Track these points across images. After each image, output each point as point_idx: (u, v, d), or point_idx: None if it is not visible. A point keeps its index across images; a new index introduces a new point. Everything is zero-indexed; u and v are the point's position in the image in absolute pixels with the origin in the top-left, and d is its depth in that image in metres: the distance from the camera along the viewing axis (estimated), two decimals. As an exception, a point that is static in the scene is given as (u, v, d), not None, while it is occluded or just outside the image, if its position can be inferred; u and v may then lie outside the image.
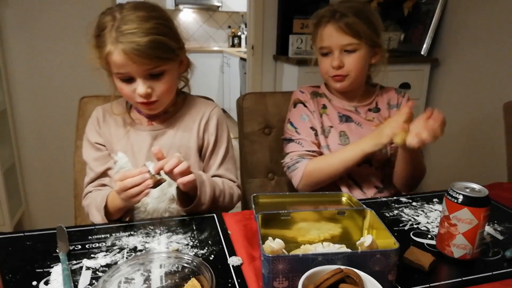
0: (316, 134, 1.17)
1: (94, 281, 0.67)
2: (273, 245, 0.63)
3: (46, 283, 0.66)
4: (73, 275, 0.68)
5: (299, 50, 2.45)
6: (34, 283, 0.66)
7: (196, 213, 0.91)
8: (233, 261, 0.73)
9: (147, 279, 0.67)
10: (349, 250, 0.68)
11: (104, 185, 1.00)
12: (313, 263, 0.62)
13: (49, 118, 2.16)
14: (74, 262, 0.72)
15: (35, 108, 2.13)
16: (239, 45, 5.40)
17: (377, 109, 1.21)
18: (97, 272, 0.69)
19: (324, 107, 1.21)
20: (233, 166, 1.07)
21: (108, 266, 0.71)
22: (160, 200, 0.95)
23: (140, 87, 0.89)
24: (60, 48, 2.07)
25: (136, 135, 1.00)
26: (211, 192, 0.92)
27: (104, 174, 1.01)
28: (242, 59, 4.17)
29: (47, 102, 2.13)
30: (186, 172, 0.83)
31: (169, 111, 1.02)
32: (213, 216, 0.90)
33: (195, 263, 0.66)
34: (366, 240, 0.65)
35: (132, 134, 1.00)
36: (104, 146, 1.01)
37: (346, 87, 1.14)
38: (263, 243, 0.67)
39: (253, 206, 0.84)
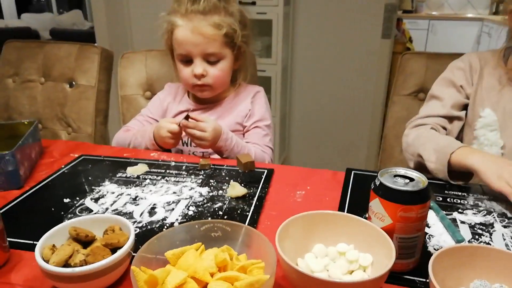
0: None
1: (476, 236, 0.66)
2: None
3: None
4: (448, 225, 0.69)
5: None
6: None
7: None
8: None
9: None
10: None
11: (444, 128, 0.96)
12: None
13: (324, 77, 2.35)
14: (445, 212, 0.72)
15: (314, 66, 2.34)
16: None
17: None
18: (474, 229, 0.68)
19: None
20: None
21: (483, 225, 0.69)
22: None
23: None
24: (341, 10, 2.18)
25: (511, 95, 0.92)
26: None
27: (452, 118, 0.96)
28: (515, 28, 3.49)
29: (326, 62, 2.31)
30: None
31: None
32: None
33: None
34: None
35: (507, 92, 0.92)
36: (468, 93, 0.96)
37: None
38: None
39: None
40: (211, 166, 0.91)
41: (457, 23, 4.56)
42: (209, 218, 0.71)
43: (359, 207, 0.72)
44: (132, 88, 1.32)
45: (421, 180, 0.56)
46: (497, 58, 0.95)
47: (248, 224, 0.69)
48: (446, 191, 0.79)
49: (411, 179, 0.56)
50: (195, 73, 1.01)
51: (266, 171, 0.89)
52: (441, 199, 0.77)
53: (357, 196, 0.78)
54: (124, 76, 1.33)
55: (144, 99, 1.31)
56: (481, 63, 0.96)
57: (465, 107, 0.98)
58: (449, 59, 1.03)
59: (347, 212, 0.73)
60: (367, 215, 0.60)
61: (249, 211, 0.73)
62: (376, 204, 0.56)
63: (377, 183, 0.56)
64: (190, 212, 0.73)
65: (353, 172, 0.90)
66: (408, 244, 0.56)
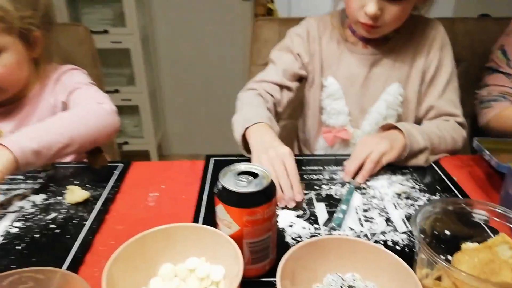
0: None
1: (331, 215, 0.65)
2: None
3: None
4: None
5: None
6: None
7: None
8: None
9: (388, 220, 0.63)
10: None
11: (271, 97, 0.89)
12: None
13: (187, 44, 2.19)
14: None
15: (175, 34, 2.16)
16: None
17: None
18: (331, 206, 0.67)
19: None
20: (456, 98, 0.90)
21: (334, 199, 0.68)
22: None
23: (371, 5, 0.75)
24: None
25: (351, 59, 0.90)
26: (425, 138, 0.78)
27: (282, 87, 0.90)
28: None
29: (187, 29, 2.15)
30: None
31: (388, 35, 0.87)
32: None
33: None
34: None
35: (346, 56, 0.90)
36: (306, 63, 0.92)
37: None
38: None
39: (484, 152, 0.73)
40: (54, 165, 0.75)
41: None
42: (38, 235, 0.59)
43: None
44: None
45: (265, 175, 0.50)
46: (336, 20, 0.91)
47: (81, 245, 0.57)
48: (303, 167, 0.77)
49: (255, 175, 0.50)
50: None
51: (119, 166, 0.78)
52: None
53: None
54: None
55: None
56: (319, 30, 0.92)
57: (299, 78, 0.94)
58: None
59: (204, 212, 0.66)
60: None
61: (87, 221, 0.62)
62: (220, 211, 0.49)
63: (219, 186, 0.49)
64: (15, 230, 0.60)
65: (212, 159, 0.82)
66: (260, 247, 0.50)
